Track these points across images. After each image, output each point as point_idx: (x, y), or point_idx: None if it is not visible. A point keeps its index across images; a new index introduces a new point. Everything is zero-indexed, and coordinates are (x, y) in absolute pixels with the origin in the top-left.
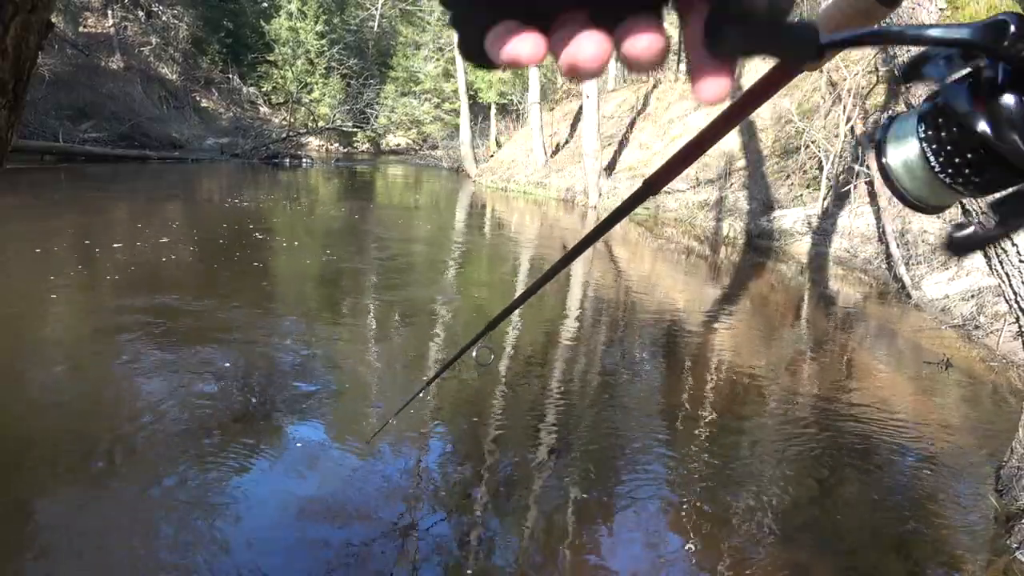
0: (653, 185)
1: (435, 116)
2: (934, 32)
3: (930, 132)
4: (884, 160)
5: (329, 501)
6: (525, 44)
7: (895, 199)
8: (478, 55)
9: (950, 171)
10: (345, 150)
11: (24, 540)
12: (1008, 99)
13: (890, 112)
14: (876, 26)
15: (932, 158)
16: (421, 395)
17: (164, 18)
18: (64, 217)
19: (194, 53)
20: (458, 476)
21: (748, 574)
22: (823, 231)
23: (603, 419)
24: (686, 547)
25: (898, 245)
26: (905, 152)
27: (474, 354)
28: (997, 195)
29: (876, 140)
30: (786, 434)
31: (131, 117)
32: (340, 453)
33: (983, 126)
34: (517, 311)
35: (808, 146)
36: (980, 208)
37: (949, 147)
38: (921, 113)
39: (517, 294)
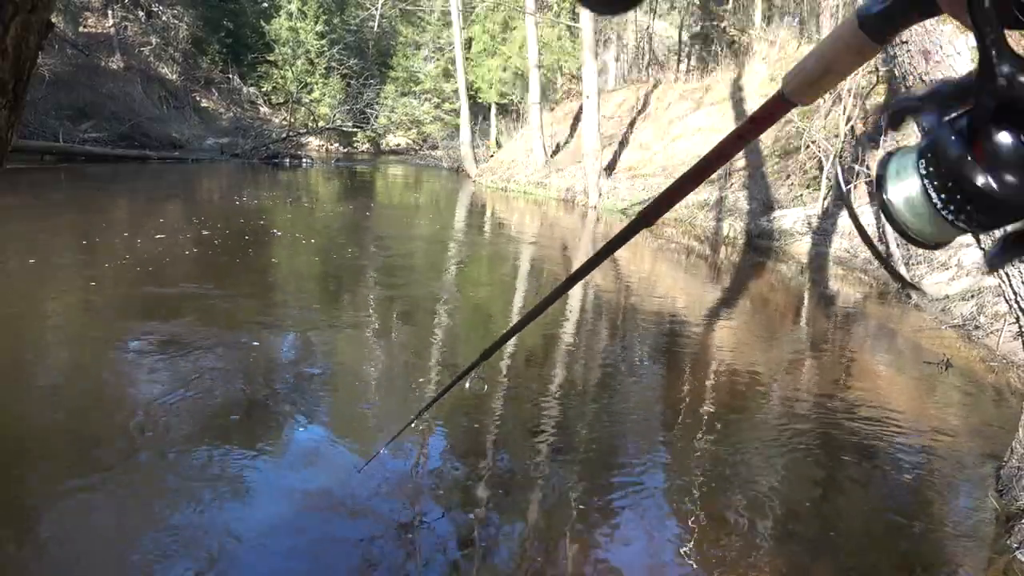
0: (647, 218)
1: (435, 116)
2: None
3: (931, 169)
4: (885, 196)
5: (331, 499)
6: None
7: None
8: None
9: (952, 208)
10: (345, 150)
11: (24, 539)
12: (1004, 137)
13: (887, 142)
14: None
15: (934, 195)
16: (418, 398)
17: (164, 18)
18: (65, 217)
19: (194, 53)
20: (459, 475)
21: (748, 575)
22: (823, 231)
23: (603, 419)
24: (686, 547)
25: (898, 245)
26: (906, 188)
27: (467, 385)
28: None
29: (876, 175)
30: (786, 434)
31: (131, 117)
32: (342, 450)
33: (982, 179)
34: (515, 313)
35: (808, 146)
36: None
37: (951, 184)
38: (921, 149)
39: (517, 296)
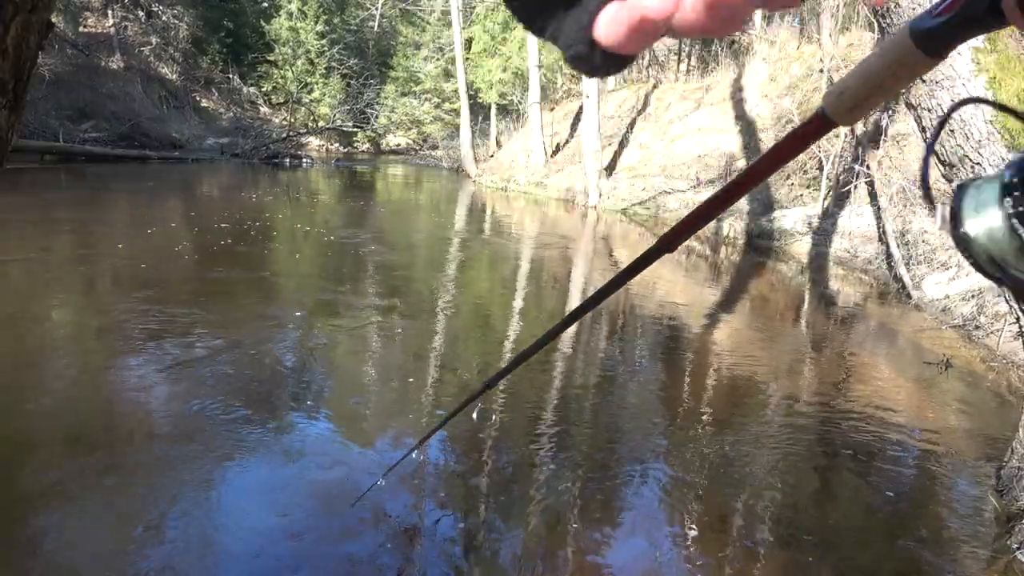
0: (670, 244)
1: (435, 116)
2: None
3: (1020, 208)
4: (963, 230)
5: (332, 497)
6: None
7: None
8: (587, 55)
9: None
10: (345, 150)
11: (24, 540)
12: None
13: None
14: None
15: (1022, 230)
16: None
17: (164, 18)
18: (66, 216)
19: (194, 53)
20: (458, 475)
21: (748, 574)
22: (823, 231)
23: (604, 419)
24: (687, 547)
25: (898, 245)
26: (988, 222)
27: (474, 416)
28: None
29: (951, 208)
30: (786, 434)
31: (131, 117)
32: (342, 449)
33: None
34: (515, 313)
35: None
36: None
37: None
38: (1005, 183)
39: (517, 296)
